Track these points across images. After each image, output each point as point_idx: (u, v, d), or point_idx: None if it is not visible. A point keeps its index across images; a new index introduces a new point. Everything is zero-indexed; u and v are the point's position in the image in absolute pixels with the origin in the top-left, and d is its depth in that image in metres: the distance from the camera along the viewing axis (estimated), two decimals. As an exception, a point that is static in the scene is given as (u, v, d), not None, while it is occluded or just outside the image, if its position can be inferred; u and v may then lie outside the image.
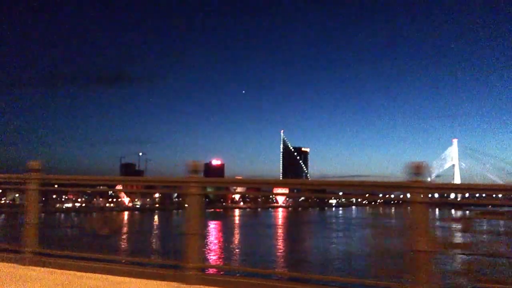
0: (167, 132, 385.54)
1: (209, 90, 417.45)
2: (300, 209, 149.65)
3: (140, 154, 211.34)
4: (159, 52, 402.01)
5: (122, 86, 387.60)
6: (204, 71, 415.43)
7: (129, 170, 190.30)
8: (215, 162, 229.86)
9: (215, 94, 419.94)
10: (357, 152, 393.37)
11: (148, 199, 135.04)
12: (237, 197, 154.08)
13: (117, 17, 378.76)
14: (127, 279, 5.62)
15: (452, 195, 5.96)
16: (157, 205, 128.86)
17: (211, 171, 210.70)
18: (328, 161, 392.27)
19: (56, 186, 7.48)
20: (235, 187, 7.67)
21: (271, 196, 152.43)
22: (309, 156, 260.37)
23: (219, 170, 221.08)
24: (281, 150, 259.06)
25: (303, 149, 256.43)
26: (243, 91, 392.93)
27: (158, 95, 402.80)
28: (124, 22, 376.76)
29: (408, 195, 4.85)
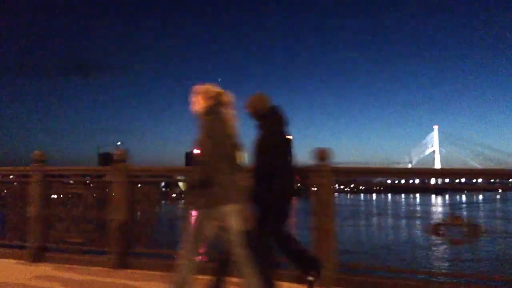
0: (146, 121, 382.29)
1: (190, 78, 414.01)
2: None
3: (118, 143, 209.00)
4: (137, 40, 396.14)
5: (98, 75, 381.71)
6: (184, 59, 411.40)
7: (107, 160, 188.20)
8: (197, 151, 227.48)
9: (196, 83, 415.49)
10: (337, 139, 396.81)
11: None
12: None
13: (92, 5, 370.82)
14: None
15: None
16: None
17: (193, 160, 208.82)
18: (311, 148, 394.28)
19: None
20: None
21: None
22: (292, 144, 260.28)
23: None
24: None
25: (286, 137, 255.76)
26: (219, 79, 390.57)
27: (137, 83, 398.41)
28: (99, 10, 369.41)
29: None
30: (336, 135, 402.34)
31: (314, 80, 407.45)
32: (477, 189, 5.69)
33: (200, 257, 4.01)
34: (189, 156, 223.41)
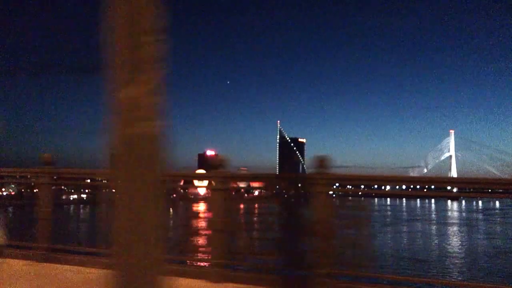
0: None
1: (204, 79, 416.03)
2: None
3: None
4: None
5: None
6: (198, 60, 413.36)
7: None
8: (209, 152, 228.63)
9: (209, 84, 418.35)
10: (352, 143, 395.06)
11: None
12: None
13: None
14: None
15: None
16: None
17: (205, 162, 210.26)
18: (324, 152, 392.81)
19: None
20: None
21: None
22: (305, 147, 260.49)
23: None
24: (278, 140, 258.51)
25: (299, 139, 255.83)
26: (228, 82, 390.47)
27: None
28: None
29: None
30: (352, 140, 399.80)
31: (330, 85, 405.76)
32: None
33: None
34: (201, 157, 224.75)
